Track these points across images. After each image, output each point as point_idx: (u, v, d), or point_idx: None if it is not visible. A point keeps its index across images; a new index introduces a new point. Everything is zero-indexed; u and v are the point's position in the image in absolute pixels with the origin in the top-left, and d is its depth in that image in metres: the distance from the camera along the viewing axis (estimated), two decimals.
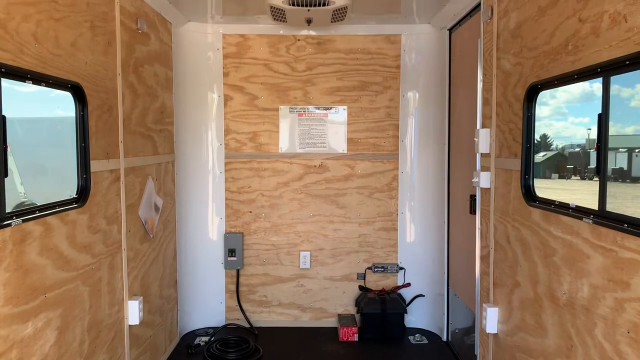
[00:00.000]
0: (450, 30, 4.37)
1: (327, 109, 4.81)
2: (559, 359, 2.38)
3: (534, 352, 2.65)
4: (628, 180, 2.90)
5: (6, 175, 2.07)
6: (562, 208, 2.41)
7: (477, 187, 3.47)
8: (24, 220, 2.19)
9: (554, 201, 2.51)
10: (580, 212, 2.24)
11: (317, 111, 4.82)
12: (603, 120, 2.10)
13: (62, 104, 2.85)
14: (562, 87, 2.64)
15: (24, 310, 2.19)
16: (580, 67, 2.20)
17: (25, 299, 2.20)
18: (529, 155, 2.78)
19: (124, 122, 3.26)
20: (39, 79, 2.31)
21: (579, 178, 3.35)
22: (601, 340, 2.04)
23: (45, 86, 2.39)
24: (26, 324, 2.21)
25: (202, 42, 4.70)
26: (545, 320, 2.53)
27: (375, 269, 4.88)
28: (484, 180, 3.30)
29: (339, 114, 4.82)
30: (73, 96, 2.67)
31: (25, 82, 2.22)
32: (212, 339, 4.45)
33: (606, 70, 2.05)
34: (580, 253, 2.20)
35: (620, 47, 1.92)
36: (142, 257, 3.60)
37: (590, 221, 2.12)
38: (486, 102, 3.36)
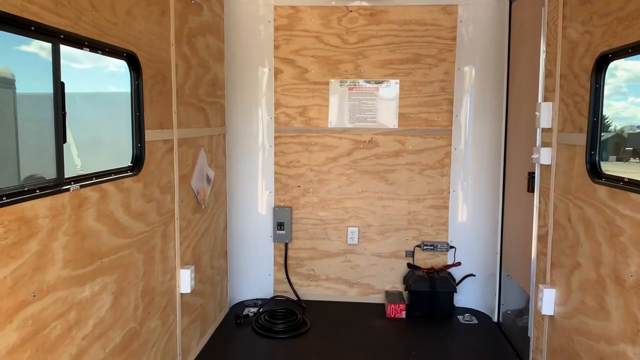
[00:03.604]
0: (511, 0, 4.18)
1: (379, 83, 4.70)
2: (623, 344, 2.26)
3: (595, 336, 2.53)
4: None
5: (65, 141, 2.11)
6: (632, 185, 2.26)
7: (536, 164, 3.32)
8: (81, 186, 2.23)
9: (623, 178, 2.36)
10: None
11: (368, 85, 4.72)
12: None
13: (115, 80, 2.89)
14: (628, 60, 2.48)
15: (81, 273, 2.25)
16: None
17: (82, 262, 2.25)
18: (595, 130, 2.63)
19: (177, 92, 3.27)
20: (95, 46, 2.33)
21: (638, 160, 3.18)
22: None
23: (102, 54, 2.41)
24: (84, 287, 2.27)
25: (254, 14, 4.66)
26: (608, 302, 2.41)
27: (425, 247, 4.80)
28: (545, 156, 3.15)
29: (391, 88, 4.71)
30: (128, 65, 2.69)
31: (82, 49, 2.25)
32: (261, 310, 4.50)
33: None
34: None
35: None
36: (194, 227, 3.64)
37: None
38: (549, 74, 3.19)
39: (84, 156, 3.01)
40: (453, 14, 4.55)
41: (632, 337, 2.20)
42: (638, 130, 3.18)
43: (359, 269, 4.88)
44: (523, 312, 3.81)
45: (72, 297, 2.18)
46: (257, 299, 4.85)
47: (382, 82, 4.70)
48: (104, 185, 2.43)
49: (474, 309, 4.69)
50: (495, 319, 4.46)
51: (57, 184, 2.10)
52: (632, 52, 2.33)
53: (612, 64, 2.57)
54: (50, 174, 2.11)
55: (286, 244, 4.87)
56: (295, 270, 4.91)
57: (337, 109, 4.76)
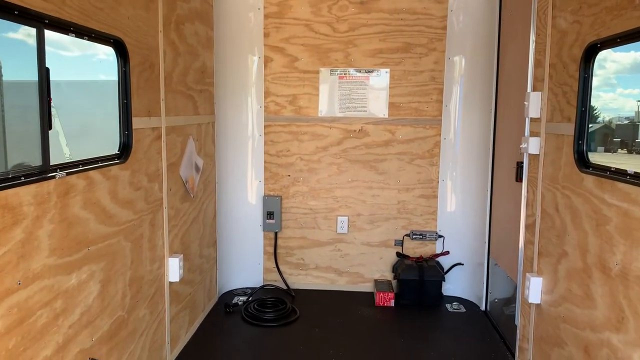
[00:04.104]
0: None
1: (369, 72, 4.69)
2: (608, 331, 2.29)
3: (580, 324, 2.56)
4: None
5: (50, 128, 2.08)
6: (618, 175, 2.27)
7: (524, 154, 3.33)
8: (67, 174, 2.21)
9: (610, 167, 2.38)
10: (639, 179, 2.11)
11: (358, 74, 4.70)
12: None
13: (104, 67, 2.87)
14: (617, 51, 2.49)
15: (68, 261, 2.23)
16: None
17: (69, 251, 2.24)
18: (583, 120, 2.63)
19: (165, 80, 3.24)
20: (81, 32, 2.30)
21: (626, 152, 3.20)
22: None
23: (88, 40, 2.38)
24: (70, 275, 2.25)
25: (243, 1, 4.62)
26: (594, 291, 2.43)
27: (414, 236, 4.82)
28: (533, 146, 3.16)
29: (381, 77, 4.69)
30: (115, 51, 2.66)
31: (68, 34, 2.21)
32: (250, 299, 4.51)
33: None
34: (638, 222, 2.08)
35: None
36: (182, 215, 3.63)
37: None
38: (538, 64, 3.19)
39: (73, 145, 2.99)
40: (443, 3, 4.54)
41: (616, 325, 2.22)
42: (626, 122, 3.20)
43: (348, 258, 4.90)
44: (510, 300, 3.84)
45: (58, 285, 2.17)
46: (246, 288, 4.86)
47: (372, 71, 4.69)
48: (90, 172, 2.40)
49: (462, 298, 4.73)
50: (483, 308, 4.50)
51: (43, 171, 2.07)
52: (620, 42, 2.33)
53: (601, 55, 2.58)
54: (39, 162, 2.09)
55: (276, 233, 4.87)
56: (285, 259, 4.91)
57: (328, 97, 4.75)
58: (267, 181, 4.85)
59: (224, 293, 4.78)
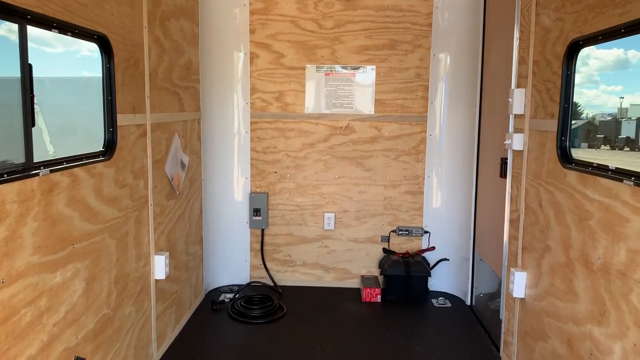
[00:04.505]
0: None
1: (355, 69, 4.70)
2: (590, 324, 2.33)
3: (563, 317, 2.60)
4: (637, 149, 2.96)
5: (33, 125, 2.06)
6: (600, 170, 2.31)
7: (509, 150, 3.37)
8: (51, 171, 2.19)
9: (592, 163, 2.41)
10: (620, 174, 2.14)
11: (345, 71, 4.71)
12: None
13: (88, 63, 2.83)
14: (599, 48, 2.53)
15: (52, 259, 2.21)
16: (630, 19, 2.06)
17: (53, 248, 2.22)
18: (566, 116, 2.67)
19: (150, 76, 3.22)
20: (65, 28, 2.28)
21: (609, 148, 3.24)
22: (637, 306, 1.98)
23: (71, 36, 2.35)
24: (55, 273, 2.24)
25: None
26: (576, 285, 2.47)
27: (400, 232, 4.84)
28: (517, 142, 3.19)
29: (367, 74, 4.70)
30: (99, 48, 2.64)
31: (51, 30, 2.19)
32: (237, 296, 4.50)
33: None
34: (619, 216, 2.11)
35: None
36: (168, 213, 3.61)
37: (632, 183, 2.02)
38: (522, 60, 3.22)
39: (57, 143, 2.95)
40: (429, 0, 4.56)
41: (598, 318, 2.26)
42: (609, 118, 3.24)
43: (335, 254, 4.91)
44: (495, 295, 3.88)
45: (42, 284, 2.15)
46: (233, 285, 4.85)
47: (358, 68, 4.70)
48: (75, 170, 2.39)
49: (448, 293, 4.77)
50: (468, 302, 4.54)
51: (26, 169, 2.05)
52: (602, 39, 2.36)
53: (584, 53, 2.61)
54: (22, 159, 2.06)
55: (262, 230, 4.86)
56: (272, 256, 4.91)
57: (314, 94, 4.75)
58: (253, 178, 4.84)
59: (211, 290, 4.77)
